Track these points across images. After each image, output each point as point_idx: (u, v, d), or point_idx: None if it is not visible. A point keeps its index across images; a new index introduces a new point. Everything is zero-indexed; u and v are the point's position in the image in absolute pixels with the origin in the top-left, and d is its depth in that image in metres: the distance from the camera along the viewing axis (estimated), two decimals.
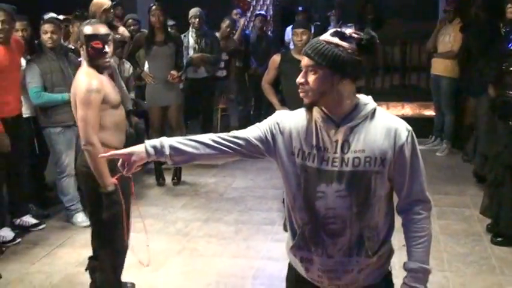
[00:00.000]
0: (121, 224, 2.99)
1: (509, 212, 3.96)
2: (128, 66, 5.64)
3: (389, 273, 2.00)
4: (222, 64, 6.62)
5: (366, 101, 1.87)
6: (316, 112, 1.86)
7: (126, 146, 3.50)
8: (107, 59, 2.96)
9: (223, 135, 1.97)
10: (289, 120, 1.93)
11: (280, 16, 9.30)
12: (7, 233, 4.26)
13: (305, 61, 1.82)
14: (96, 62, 2.94)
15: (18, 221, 4.52)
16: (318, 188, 1.85)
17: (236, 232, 4.51)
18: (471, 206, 4.83)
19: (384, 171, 1.82)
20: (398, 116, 1.91)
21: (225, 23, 6.58)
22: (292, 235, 1.98)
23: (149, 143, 1.92)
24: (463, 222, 4.55)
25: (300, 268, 1.99)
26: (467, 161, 5.96)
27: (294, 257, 2.00)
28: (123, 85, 5.30)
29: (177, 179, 5.78)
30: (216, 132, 5.73)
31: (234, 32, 7.10)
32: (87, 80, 2.87)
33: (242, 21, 7.25)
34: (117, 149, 2.89)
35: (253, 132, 1.96)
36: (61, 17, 5.29)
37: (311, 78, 1.80)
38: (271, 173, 6.02)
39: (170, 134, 6.16)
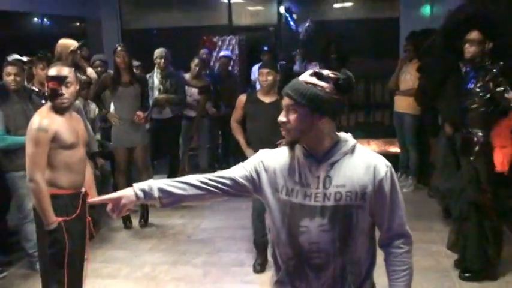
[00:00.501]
0: (67, 265, 3.04)
1: (474, 247, 4.01)
2: (93, 107, 5.61)
3: None
4: (195, 103, 6.62)
5: (346, 138, 1.97)
6: (298, 149, 1.95)
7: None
8: (64, 100, 3.03)
9: (210, 175, 2.04)
10: (272, 158, 2.02)
11: (246, 55, 9.43)
12: None
13: (286, 101, 1.90)
14: (53, 103, 3.05)
15: None
16: (301, 223, 1.91)
17: (204, 275, 4.44)
18: (438, 242, 4.88)
19: (365, 205, 1.89)
20: None
21: (194, 62, 6.62)
22: (276, 270, 2.04)
23: (138, 186, 2.01)
24: (431, 258, 4.58)
25: None
26: (432, 197, 6.04)
27: None
28: (89, 126, 5.26)
29: (144, 221, 5.68)
30: (184, 172, 5.68)
31: (206, 71, 7.16)
32: (37, 119, 2.99)
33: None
34: (67, 190, 2.94)
35: (239, 171, 2.03)
36: (25, 58, 5.23)
37: (292, 117, 1.88)
38: (240, 213, 5.98)
39: (137, 175, 6.11)
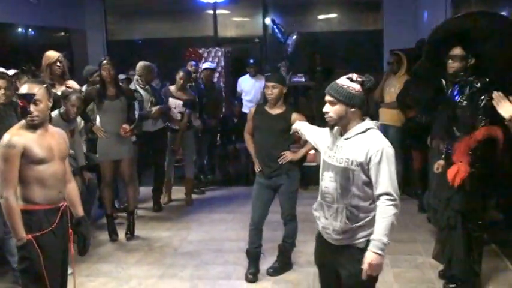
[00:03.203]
0: (43, 282, 3.05)
1: (461, 256, 4.05)
2: (79, 121, 5.58)
3: (364, 247, 2.73)
4: (179, 116, 6.63)
5: (365, 123, 2.78)
6: (336, 128, 2.87)
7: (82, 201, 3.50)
8: (33, 118, 3.06)
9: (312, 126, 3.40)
10: (327, 132, 2.98)
11: (231, 67, 9.47)
12: None
13: (328, 97, 2.77)
14: (24, 120, 3.09)
15: None
16: (323, 173, 2.88)
17: None
18: (423, 253, 4.94)
19: (358, 169, 2.72)
20: None
21: (179, 75, 6.63)
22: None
23: None
24: (416, 269, 4.63)
25: (317, 223, 2.97)
26: (424, 213, 6.02)
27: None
28: (80, 141, 5.27)
29: (131, 234, 5.65)
30: (169, 183, 5.69)
31: (193, 83, 7.17)
32: (7, 137, 3.03)
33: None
34: (42, 205, 2.94)
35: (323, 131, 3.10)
36: (11, 72, 5.20)
37: (332, 109, 2.77)
38: (226, 225, 6.00)
39: (123, 188, 6.09)
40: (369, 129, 2.75)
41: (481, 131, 3.84)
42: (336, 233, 2.81)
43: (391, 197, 2.66)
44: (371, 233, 2.71)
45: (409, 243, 5.23)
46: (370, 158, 2.67)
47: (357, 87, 2.73)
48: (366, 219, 2.77)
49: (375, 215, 2.71)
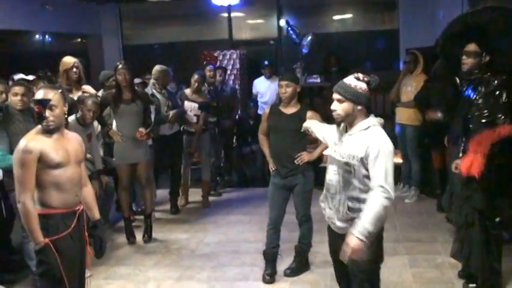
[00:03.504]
0: (62, 286, 3.08)
1: (479, 254, 3.99)
2: (96, 125, 5.62)
3: None
4: (195, 119, 6.66)
5: (368, 120, 2.94)
6: (343, 125, 3.05)
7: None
8: (49, 123, 3.09)
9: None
10: (334, 129, 3.18)
11: (247, 69, 9.47)
12: None
13: (336, 96, 2.94)
14: (40, 125, 3.11)
15: None
16: (329, 166, 3.09)
17: None
18: (442, 253, 4.88)
19: (359, 164, 2.89)
20: None
21: (194, 78, 6.66)
22: None
23: None
24: (435, 269, 4.57)
25: (323, 213, 3.16)
26: (442, 212, 5.93)
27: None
28: (97, 146, 5.32)
29: (148, 236, 5.68)
30: (185, 187, 5.70)
31: (211, 87, 7.18)
32: (23, 142, 3.06)
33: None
34: (59, 209, 2.96)
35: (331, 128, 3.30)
36: (30, 77, 5.27)
37: (339, 106, 2.93)
38: (243, 226, 6.00)
39: (140, 191, 6.13)
40: (370, 126, 2.91)
41: (506, 128, 3.76)
42: (339, 222, 3.01)
43: (384, 190, 2.78)
44: None
45: (427, 243, 5.18)
46: (369, 153, 2.84)
47: (364, 86, 2.90)
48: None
49: None
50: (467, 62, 3.93)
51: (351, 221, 2.93)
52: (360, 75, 2.92)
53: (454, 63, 4.13)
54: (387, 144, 2.85)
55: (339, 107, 2.92)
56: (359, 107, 2.90)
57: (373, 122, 2.93)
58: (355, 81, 2.91)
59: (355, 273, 3.02)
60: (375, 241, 2.90)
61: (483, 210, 3.94)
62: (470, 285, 4.07)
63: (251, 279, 4.59)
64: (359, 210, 2.88)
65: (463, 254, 4.18)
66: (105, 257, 5.03)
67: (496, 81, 3.84)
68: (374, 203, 2.79)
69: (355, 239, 2.77)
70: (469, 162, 3.84)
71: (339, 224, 3.02)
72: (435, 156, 6.37)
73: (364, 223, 2.77)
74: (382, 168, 2.81)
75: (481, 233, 3.96)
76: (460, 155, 4.17)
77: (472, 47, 3.92)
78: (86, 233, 3.32)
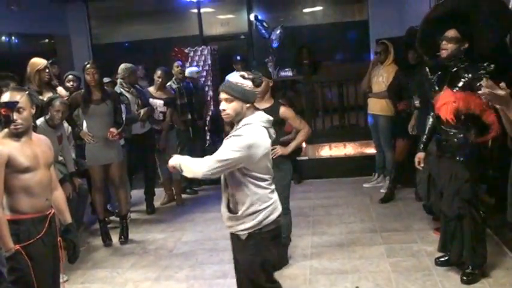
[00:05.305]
0: None
1: (473, 243, 4.03)
2: (66, 126, 5.52)
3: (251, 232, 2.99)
4: (161, 116, 6.59)
5: (246, 120, 2.93)
6: (229, 125, 3.16)
7: (69, 208, 3.47)
8: (17, 126, 3.01)
9: None
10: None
11: (218, 65, 9.42)
12: None
13: (223, 95, 2.92)
14: (7, 128, 3.03)
15: None
16: None
17: None
18: (418, 241, 4.93)
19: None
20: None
21: (157, 74, 6.57)
22: None
23: None
24: (413, 258, 4.61)
25: None
26: (419, 201, 5.95)
27: None
28: (68, 147, 5.22)
29: (124, 238, 5.61)
30: (167, 183, 5.48)
31: (180, 83, 7.10)
32: None
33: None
34: (29, 214, 2.89)
35: None
36: None
37: (228, 106, 2.92)
38: (220, 224, 5.89)
39: (114, 192, 6.04)
40: (245, 125, 2.91)
41: (491, 116, 3.78)
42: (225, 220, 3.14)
43: (210, 166, 2.86)
44: (252, 226, 2.97)
45: (403, 232, 5.22)
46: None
47: (250, 84, 2.93)
48: (244, 210, 2.97)
49: (256, 209, 2.96)
50: (447, 47, 3.90)
51: (232, 220, 3.04)
52: (245, 74, 2.96)
53: (432, 48, 4.11)
54: (240, 136, 2.87)
55: (228, 107, 2.91)
56: (247, 105, 2.92)
57: (250, 121, 2.93)
58: (241, 80, 2.93)
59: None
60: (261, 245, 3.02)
61: (471, 199, 3.98)
62: (466, 278, 4.06)
63: (230, 277, 4.55)
64: (237, 208, 3.00)
65: (455, 245, 4.16)
66: (82, 260, 4.97)
67: (469, 75, 3.83)
68: (198, 164, 2.90)
69: (173, 162, 2.97)
70: (443, 102, 3.89)
71: (227, 223, 3.11)
72: (399, 146, 6.38)
73: (183, 162, 2.94)
74: (225, 150, 2.86)
75: (473, 224, 4.00)
76: (421, 147, 4.26)
77: (452, 32, 3.88)
78: (59, 237, 3.25)
